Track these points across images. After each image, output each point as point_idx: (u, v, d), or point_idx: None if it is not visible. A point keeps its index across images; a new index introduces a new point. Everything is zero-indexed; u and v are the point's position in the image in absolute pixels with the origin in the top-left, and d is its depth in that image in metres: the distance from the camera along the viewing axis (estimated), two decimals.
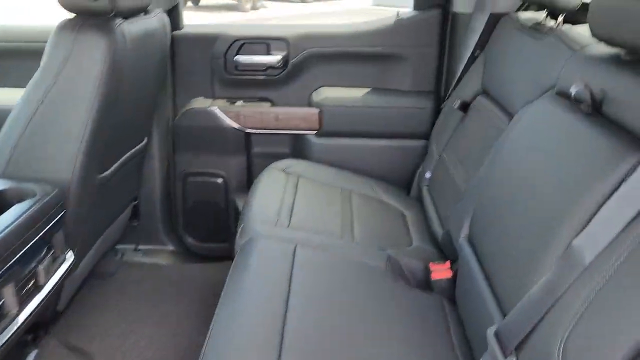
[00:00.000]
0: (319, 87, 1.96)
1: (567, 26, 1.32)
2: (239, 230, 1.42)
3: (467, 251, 1.18)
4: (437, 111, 1.88)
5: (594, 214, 0.78)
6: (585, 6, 1.35)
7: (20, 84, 1.35)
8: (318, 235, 1.41)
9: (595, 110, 0.93)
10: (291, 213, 1.49)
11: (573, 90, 0.95)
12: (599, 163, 0.84)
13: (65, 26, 1.26)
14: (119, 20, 1.32)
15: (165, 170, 1.99)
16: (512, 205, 1.03)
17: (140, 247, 2.05)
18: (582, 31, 1.23)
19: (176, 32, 1.90)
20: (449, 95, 1.80)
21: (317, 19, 13.56)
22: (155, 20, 1.53)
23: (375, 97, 1.93)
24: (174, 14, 1.87)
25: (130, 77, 1.40)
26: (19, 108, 1.27)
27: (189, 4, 15.00)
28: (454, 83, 1.79)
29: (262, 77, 1.93)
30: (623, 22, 0.92)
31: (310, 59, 1.92)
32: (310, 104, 1.93)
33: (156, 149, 1.93)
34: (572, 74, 1.07)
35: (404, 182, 1.93)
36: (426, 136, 1.89)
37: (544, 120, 1.08)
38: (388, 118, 1.91)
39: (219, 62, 1.91)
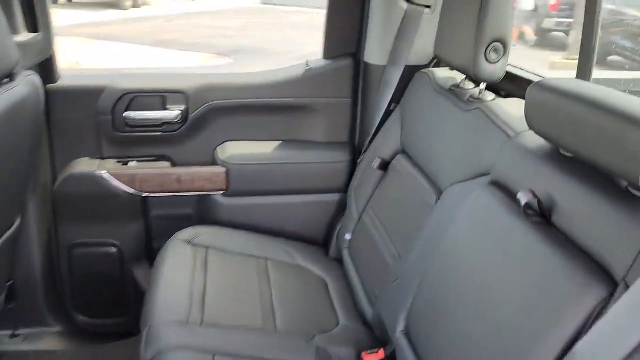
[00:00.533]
0: (224, 142, 1.77)
1: (491, 97, 1.28)
2: (144, 335, 1.22)
3: (405, 347, 1.10)
4: (352, 164, 1.78)
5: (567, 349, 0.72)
6: (509, 76, 1.32)
7: None
8: (237, 333, 1.25)
9: (545, 220, 0.87)
10: (203, 302, 1.32)
11: (522, 200, 0.88)
12: (564, 290, 0.78)
13: None
14: None
15: (46, 244, 1.70)
16: (462, 309, 0.97)
17: (20, 331, 1.74)
18: (510, 108, 1.18)
19: (51, 86, 1.61)
20: (366, 149, 1.70)
21: (205, 17, 13.11)
22: (22, 87, 1.26)
23: (286, 151, 1.79)
24: (47, 65, 1.58)
25: None
26: None
27: (62, 0, 13.80)
28: (370, 136, 1.70)
29: (158, 134, 1.71)
30: (559, 121, 0.87)
31: (213, 112, 1.73)
32: (215, 161, 1.74)
33: (34, 221, 1.63)
34: (510, 167, 1.02)
35: (321, 239, 1.82)
36: (342, 190, 1.79)
37: (486, 217, 1.01)
38: (301, 172, 1.78)
39: (105, 119, 1.66)
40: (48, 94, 1.56)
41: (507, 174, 1.01)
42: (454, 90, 1.35)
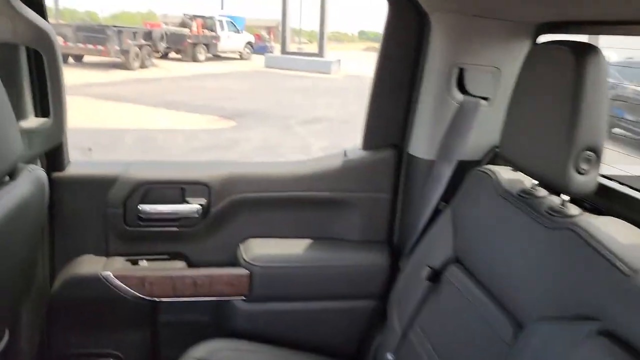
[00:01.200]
0: (247, 239, 1.57)
1: (577, 212, 1.08)
2: None
3: None
4: (391, 268, 1.57)
5: None
6: (603, 189, 1.14)
7: None
8: None
9: None
10: None
11: None
12: None
13: None
14: None
15: (34, 353, 1.45)
16: None
17: None
18: (613, 232, 0.98)
19: (58, 175, 1.42)
20: (409, 253, 1.50)
21: (210, 80, 13.25)
22: (25, 185, 1.06)
23: (317, 251, 1.58)
24: (55, 151, 1.40)
25: None
26: None
27: (71, 60, 14.01)
28: (414, 238, 1.50)
29: (174, 229, 1.50)
30: None
31: (236, 206, 1.54)
32: (236, 261, 1.53)
33: (24, 332, 1.39)
34: (633, 317, 0.81)
35: (354, 352, 1.58)
36: (378, 296, 1.57)
37: None
38: (333, 275, 1.56)
39: (116, 212, 1.46)
40: (53, 182, 1.37)
41: (630, 327, 0.80)
42: (526, 199, 1.16)
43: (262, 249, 1.54)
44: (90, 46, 13.63)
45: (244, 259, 1.51)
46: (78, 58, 14.26)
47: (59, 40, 1.32)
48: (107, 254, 1.50)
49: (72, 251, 1.48)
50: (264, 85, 13.75)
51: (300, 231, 1.59)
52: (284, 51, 20.21)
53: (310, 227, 1.60)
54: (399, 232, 1.61)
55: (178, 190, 1.49)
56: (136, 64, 14.22)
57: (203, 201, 1.50)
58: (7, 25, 1.16)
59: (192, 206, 1.49)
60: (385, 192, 1.59)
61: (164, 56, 17.06)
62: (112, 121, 8.15)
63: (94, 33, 13.85)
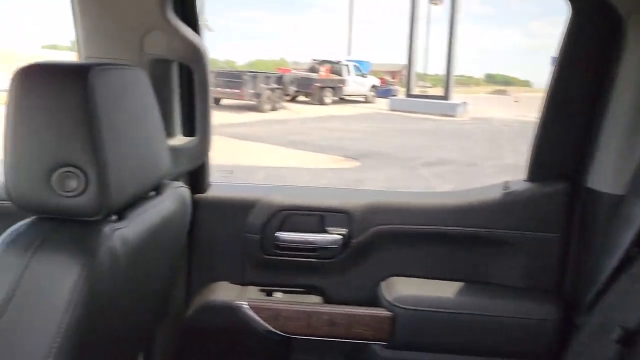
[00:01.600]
0: (389, 276, 1.40)
1: None
2: None
3: None
4: (562, 322, 1.30)
5: None
6: None
7: None
8: None
9: None
10: None
11: None
12: None
13: (17, 240, 0.74)
14: (109, 227, 0.80)
15: None
16: None
17: None
18: None
19: (199, 197, 1.39)
20: (591, 306, 1.23)
21: (335, 121, 13.53)
22: (170, 202, 1.02)
23: (471, 297, 1.36)
24: (199, 172, 1.38)
25: (122, 298, 0.87)
26: None
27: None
28: (596, 289, 1.23)
29: (312, 260, 1.39)
30: None
31: (380, 239, 1.39)
32: (377, 301, 1.37)
33: (157, 351, 1.35)
34: None
35: None
36: (544, 356, 1.31)
37: None
38: (488, 326, 1.33)
39: (253, 238, 1.38)
40: (194, 203, 1.34)
41: None
42: None
43: (407, 289, 1.36)
44: (229, 90, 14.67)
45: (386, 300, 1.34)
46: (216, 101, 15.42)
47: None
48: (243, 281, 1.42)
49: (208, 276, 1.43)
50: (388, 127, 13.73)
51: (451, 272, 1.40)
52: (408, 94, 20.15)
53: (463, 268, 1.40)
54: (574, 280, 1.34)
55: (317, 218, 1.38)
56: (268, 106, 15.01)
57: (344, 231, 1.37)
58: (162, 41, 1.15)
59: (332, 236, 1.37)
60: (555, 231, 1.34)
61: (293, 99, 17.84)
62: (245, 158, 8.56)
63: (232, 78, 14.90)
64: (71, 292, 0.71)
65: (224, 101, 15.34)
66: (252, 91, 14.65)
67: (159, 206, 0.97)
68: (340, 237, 1.36)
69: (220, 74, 15.43)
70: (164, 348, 1.36)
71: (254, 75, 15.05)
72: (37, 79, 0.75)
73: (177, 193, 1.07)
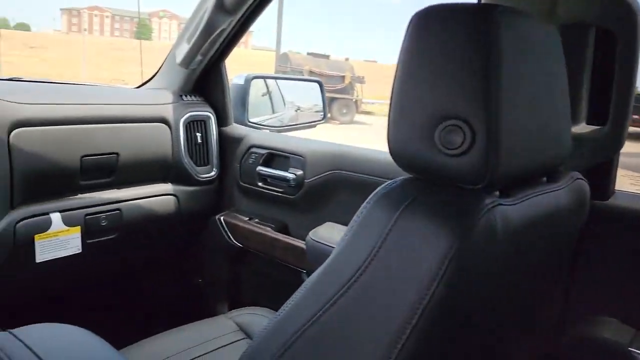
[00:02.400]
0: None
1: None
2: None
3: None
4: None
5: None
6: None
7: None
8: None
9: None
10: None
11: None
12: None
13: (385, 197, 0.68)
14: (490, 200, 0.66)
15: None
16: None
17: None
18: None
19: (598, 203, 1.11)
20: None
21: None
22: (565, 196, 0.81)
23: None
24: (600, 173, 1.10)
25: (488, 299, 0.72)
26: (300, 302, 0.74)
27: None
28: None
29: None
30: None
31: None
32: None
33: None
34: None
35: None
36: None
37: None
38: None
39: None
40: (591, 211, 1.06)
41: None
42: None
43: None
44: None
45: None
46: None
47: None
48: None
49: (589, 305, 1.13)
50: None
51: None
52: None
53: None
54: None
55: None
56: None
57: None
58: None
59: None
60: None
61: None
62: None
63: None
64: (439, 261, 0.60)
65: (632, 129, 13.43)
66: None
67: (551, 194, 0.78)
68: None
69: None
70: None
71: None
72: (433, 22, 0.67)
73: (576, 187, 0.85)
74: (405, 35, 0.69)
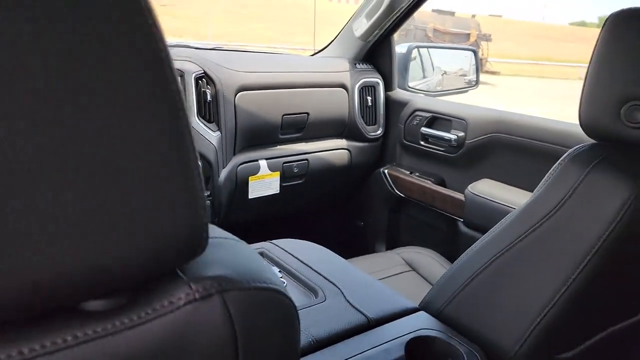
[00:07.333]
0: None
1: None
2: None
3: None
4: None
5: None
6: None
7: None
8: None
9: None
10: None
11: None
12: None
13: (577, 157, 0.91)
14: None
15: None
16: None
17: None
18: None
19: None
20: None
21: None
22: None
23: None
24: None
25: None
26: (494, 238, 1.00)
27: None
28: None
29: None
30: None
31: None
32: None
33: None
34: None
35: None
36: None
37: None
38: None
39: None
40: None
41: None
42: None
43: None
44: None
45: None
46: None
47: None
48: None
49: None
50: None
51: None
52: None
53: None
54: None
55: None
56: None
57: None
58: None
59: None
60: None
61: None
62: None
63: None
64: (620, 206, 0.82)
65: None
66: None
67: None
68: None
69: None
70: None
71: None
72: (627, 24, 0.87)
73: None
74: (603, 30, 0.89)
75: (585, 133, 0.92)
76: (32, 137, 0.28)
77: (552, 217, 0.90)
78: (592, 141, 0.93)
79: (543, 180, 0.94)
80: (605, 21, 0.89)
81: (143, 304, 0.36)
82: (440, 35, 15.04)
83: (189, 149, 0.35)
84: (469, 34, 15.06)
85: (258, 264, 0.43)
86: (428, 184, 1.91)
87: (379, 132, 2.08)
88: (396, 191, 2.02)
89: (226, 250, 0.43)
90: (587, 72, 0.92)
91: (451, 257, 1.69)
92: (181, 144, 0.34)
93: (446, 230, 1.89)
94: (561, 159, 0.92)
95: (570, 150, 0.93)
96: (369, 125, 2.05)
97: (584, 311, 0.94)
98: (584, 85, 0.92)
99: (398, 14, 1.88)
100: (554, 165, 0.93)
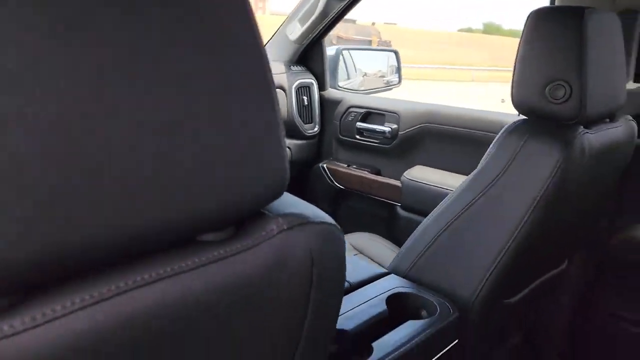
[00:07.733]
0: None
1: None
2: None
3: None
4: None
5: None
6: None
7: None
8: None
9: None
10: None
11: None
12: None
13: (514, 131, 1.09)
14: (580, 130, 1.06)
15: (572, 308, 1.60)
16: None
17: None
18: None
19: None
20: None
21: None
22: (621, 130, 1.20)
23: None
24: None
25: (574, 199, 1.12)
26: (448, 206, 1.16)
27: None
28: None
29: None
30: None
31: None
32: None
33: (572, 277, 1.56)
34: None
35: None
36: None
37: None
38: None
39: None
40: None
41: None
42: None
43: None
44: None
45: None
46: None
47: None
48: None
49: (632, 218, 1.54)
50: None
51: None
52: None
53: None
54: None
55: None
56: None
57: None
58: None
59: None
60: None
61: None
62: None
63: None
64: (552, 168, 1.00)
65: None
66: None
67: (613, 129, 1.17)
68: None
69: None
70: (578, 268, 1.56)
71: None
72: (544, 19, 1.06)
73: (628, 124, 1.24)
74: (527, 25, 1.07)
75: (517, 110, 1.10)
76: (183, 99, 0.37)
77: (498, 181, 1.07)
78: (523, 117, 1.12)
79: (486, 152, 1.11)
80: (528, 17, 1.08)
81: (246, 235, 0.45)
82: (343, 42, 15.64)
83: (279, 115, 0.45)
84: (370, 41, 15.75)
85: (312, 207, 0.54)
86: (365, 174, 2.07)
87: (315, 129, 2.21)
88: (336, 183, 2.16)
89: (287, 196, 0.53)
90: (515, 60, 1.10)
91: (393, 239, 1.85)
92: (275, 112, 0.45)
93: (386, 215, 2.05)
94: (500, 132, 1.10)
95: (507, 126, 1.11)
96: (306, 123, 2.17)
97: (525, 262, 1.12)
98: (514, 71, 1.10)
99: (330, 18, 2.02)
100: (496, 137, 1.10)
